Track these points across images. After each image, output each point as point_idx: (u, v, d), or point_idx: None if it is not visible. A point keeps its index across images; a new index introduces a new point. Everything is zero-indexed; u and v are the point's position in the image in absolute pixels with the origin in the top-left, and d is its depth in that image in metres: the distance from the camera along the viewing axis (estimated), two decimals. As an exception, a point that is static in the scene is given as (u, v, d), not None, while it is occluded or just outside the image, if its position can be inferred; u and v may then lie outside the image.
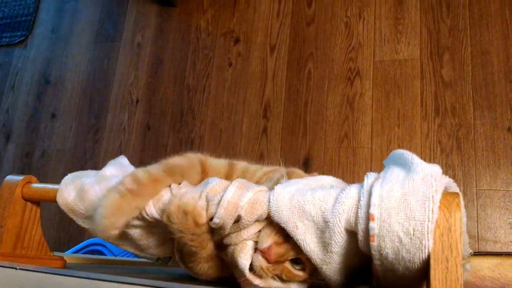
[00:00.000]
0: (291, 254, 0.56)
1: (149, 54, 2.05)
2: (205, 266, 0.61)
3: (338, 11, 1.79)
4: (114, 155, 1.94)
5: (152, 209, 0.59)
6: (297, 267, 0.58)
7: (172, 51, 2.01)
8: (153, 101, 1.97)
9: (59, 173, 1.94)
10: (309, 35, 1.81)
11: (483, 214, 1.44)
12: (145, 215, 0.60)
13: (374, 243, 0.48)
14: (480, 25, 1.61)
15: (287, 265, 0.57)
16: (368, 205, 0.49)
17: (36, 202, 0.69)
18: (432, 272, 0.45)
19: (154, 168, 0.62)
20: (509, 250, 1.38)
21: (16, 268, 0.43)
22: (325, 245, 0.53)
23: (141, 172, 0.61)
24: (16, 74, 2.26)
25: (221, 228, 0.56)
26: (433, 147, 1.53)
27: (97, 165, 1.95)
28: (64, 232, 1.88)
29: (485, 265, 1.16)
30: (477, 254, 1.35)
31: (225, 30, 1.95)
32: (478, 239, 1.42)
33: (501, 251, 1.39)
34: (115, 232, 0.59)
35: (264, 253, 0.56)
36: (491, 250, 1.39)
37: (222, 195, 0.56)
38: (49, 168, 2.03)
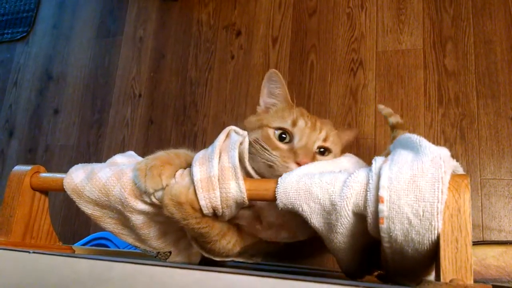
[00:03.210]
0: None
1: (151, 48, 2.04)
2: (223, 243, 0.62)
3: (340, 2, 1.78)
4: (117, 150, 1.95)
5: (160, 193, 0.60)
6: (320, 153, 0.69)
7: (174, 44, 2.01)
8: (155, 95, 1.97)
9: (63, 169, 1.94)
10: (311, 27, 1.80)
11: (488, 204, 1.44)
12: (153, 199, 0.60)
13: (383, 225, 0.48)
14: (483, 14, 1.60)
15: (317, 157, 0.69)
16: (377, 188, 0.49)
17: (45, 191, 0.69)
18: (442, 253, 0.45)
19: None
20: (514, 239, 1.38)
21: (29, 252, 0.43)
22: (330, 226, 0.53)
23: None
24: (18, 70, 2.26)
25: (215, 209, 0.58)
26: (437, 137, 1.53)
27: (101, 160, 1.95)
28: (69, 227, 1.88)
29: (490, 254, 1.16)
30: (482, 243, 1.35)
31: (226, 23, 1.95)
32: (482, 228, 1.42)
33: (506, 240, 1.39)
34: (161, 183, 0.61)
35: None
36: (496, 239, 1.39)
37: (192, 176, 0.58)
38: (52, 163, 2.03)
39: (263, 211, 0.63)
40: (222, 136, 0.64)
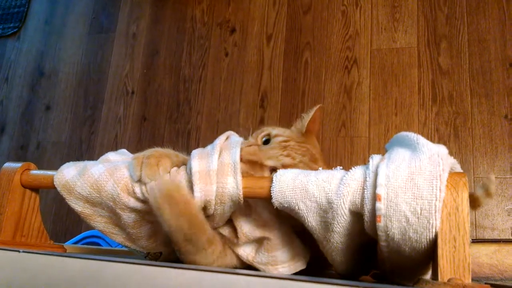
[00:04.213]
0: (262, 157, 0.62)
1: (144, 44, 2.03)
2: (208, 252, 0.60)
3: (334, 0, 1.78)
4: (110, 147, 1.93)
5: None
6: None
7: (167, 41, 1.99)
8: (148, 92, 1.95)
9: (55, 166, 1.90)
10: (306, 24, 1.80)
11: (481, 202, 1.44)
12: (146, 193, 0.59)
13: (380, 224, 0.48)
14: (477, 13, 1.61)
15: (265, 174, 0.62)
16: (375, 186, 0.48)
17: (35, 189, 0.68)
18: (439, 251, 0.45)
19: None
20: (507, 237, 1.39)
21: (19, 251, 0.42)
22: (327, 225, 0.52)
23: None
24: (9, 66, 2.24)
25: (207, 205, 0.57)
26: (431, 135, 1.53)
27: (93, 157, 1.93)
28: (60, 225, 1.87)
29: (483, 252, 1.16)
30: (475, 241, 1.35)
31: (220, 20, 1.93)
32: (475, 227, 1.43)
33: (499, 238, 1.39)
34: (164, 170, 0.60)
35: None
36: (489, 237, 1.40)
37: (189, 169, 0.57)
38: (44, 160, 2.01)
39: (238, 218, 0.61)
40: (222, 137, 0.63)
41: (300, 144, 0.66)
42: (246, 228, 0.61)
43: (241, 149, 0.61)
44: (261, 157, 0.62)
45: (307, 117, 0.71)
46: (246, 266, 0.64)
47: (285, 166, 0.62)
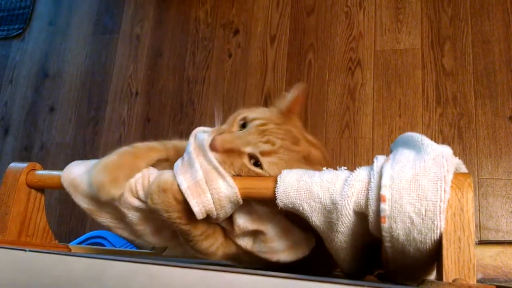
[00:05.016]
0: (239, 143, 0.59)
1: (148, 46, 2.03)
2: (205, 245, 0.61)
3: (338, 1, 1.78)
4: (113, 148, 1.92)
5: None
6: (253, 163, 0.59)
7: (171, 42, 2.00)
8: (152, 93, 1.96)
9: (59, 167, 1.90)
10: (309, 25, 1.80)
11: (485, 203, 1.44)
12: (143, 198, 0.60)
13: (385, 225, 0.48)
14: (481, 14, 1.60)
15: (245, 161, 0.59)
16: (379, 187, 0.48)
17: (41, 189, 0.68)
18: (444, 252, 0.45)
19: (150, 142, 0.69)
20: (511, 239, 1.38)
21: (25, 250, 0.42)
22: (331, 225, 0.52)
23: (138, 142, 0.69)
24: (14, 67, 2.25)
25: (209, 213, 0.57)
26: (435, 136, 1.53)
27: (97, 158, 1.94)
28: (64, 226, 1.87)
29: (487, 254, 1.16)
30: (479, 243, 1.35)
31: (224, 21, 1.94)
32: (480, 228, 1.42)
33: (503, 239, 1.39)
34: (117, 192, 0.60)
35: (211, 147, 0.59)
36: (493, 239, 1.39)
37: (179, 187, 0.57)
38: (48, 161, 2.02)
39: (234, 212, 0.61)
40: (191, 140, 0.61)
41: (279, 127, 0.62)
42: (240, 221, 0.60)
43: (214, 138, 0.59)
44: (239, 144, 0.59)
45: (290, 96, 0.67)
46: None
47: (263, 153, 0.59)
